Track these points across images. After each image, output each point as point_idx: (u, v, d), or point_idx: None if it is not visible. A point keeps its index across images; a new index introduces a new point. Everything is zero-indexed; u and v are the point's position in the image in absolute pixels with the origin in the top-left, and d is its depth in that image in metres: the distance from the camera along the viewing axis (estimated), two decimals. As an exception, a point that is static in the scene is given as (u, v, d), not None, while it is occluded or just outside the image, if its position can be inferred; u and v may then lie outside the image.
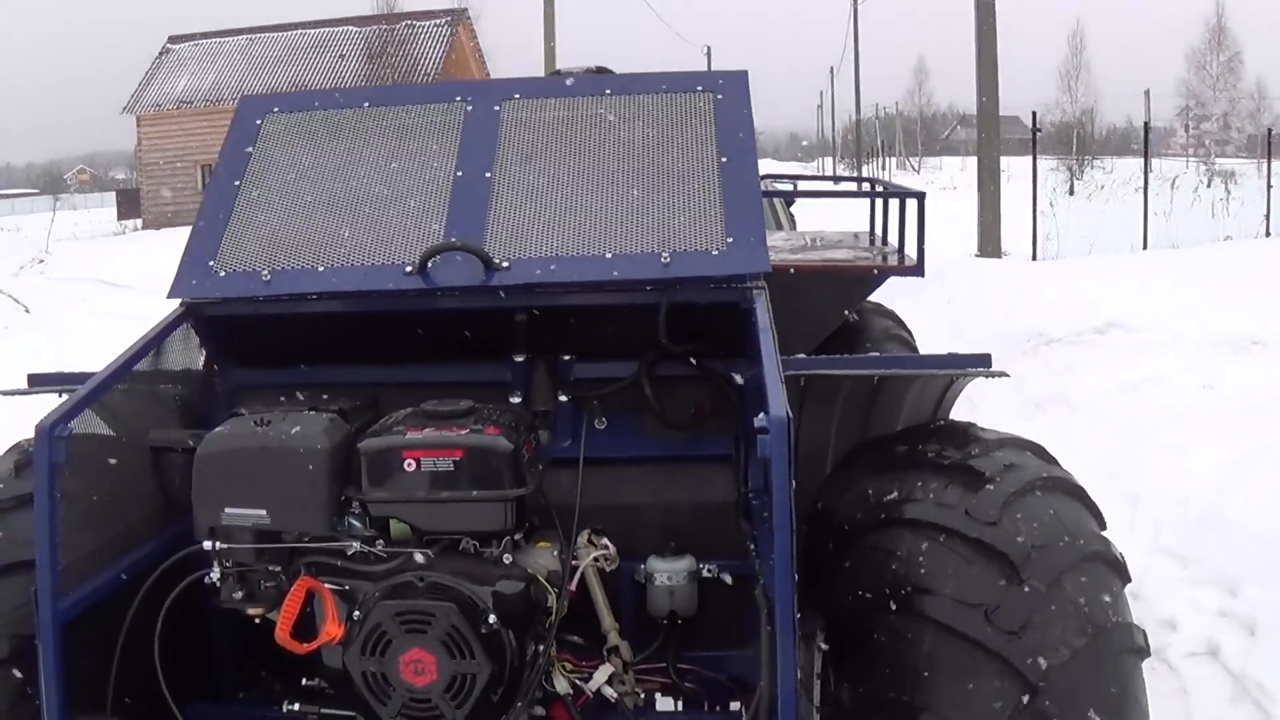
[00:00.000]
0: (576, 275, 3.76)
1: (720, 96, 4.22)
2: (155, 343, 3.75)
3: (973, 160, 26.44)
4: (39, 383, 4.20)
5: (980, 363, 3.82)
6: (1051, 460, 3.66)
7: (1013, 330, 12.81)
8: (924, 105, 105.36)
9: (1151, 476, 7.69)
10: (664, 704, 3.74)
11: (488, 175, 4.03)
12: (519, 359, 3.96)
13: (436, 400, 3.46)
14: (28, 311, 16.99)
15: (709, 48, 73.10)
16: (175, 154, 47.80)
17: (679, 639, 3.81)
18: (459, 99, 4.33)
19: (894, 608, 3.13)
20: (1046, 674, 2.91)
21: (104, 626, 3.32)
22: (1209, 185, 30.99)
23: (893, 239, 8.29)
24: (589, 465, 3.82)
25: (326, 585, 3.30)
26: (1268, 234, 23.17)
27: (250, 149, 4.27)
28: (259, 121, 4.36)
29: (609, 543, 3.71)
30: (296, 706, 3.53)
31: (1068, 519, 3.31)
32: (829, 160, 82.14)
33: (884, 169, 65.05)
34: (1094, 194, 30.39)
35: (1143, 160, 25.95)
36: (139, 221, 47.90)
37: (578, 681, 3.56)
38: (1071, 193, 31.64)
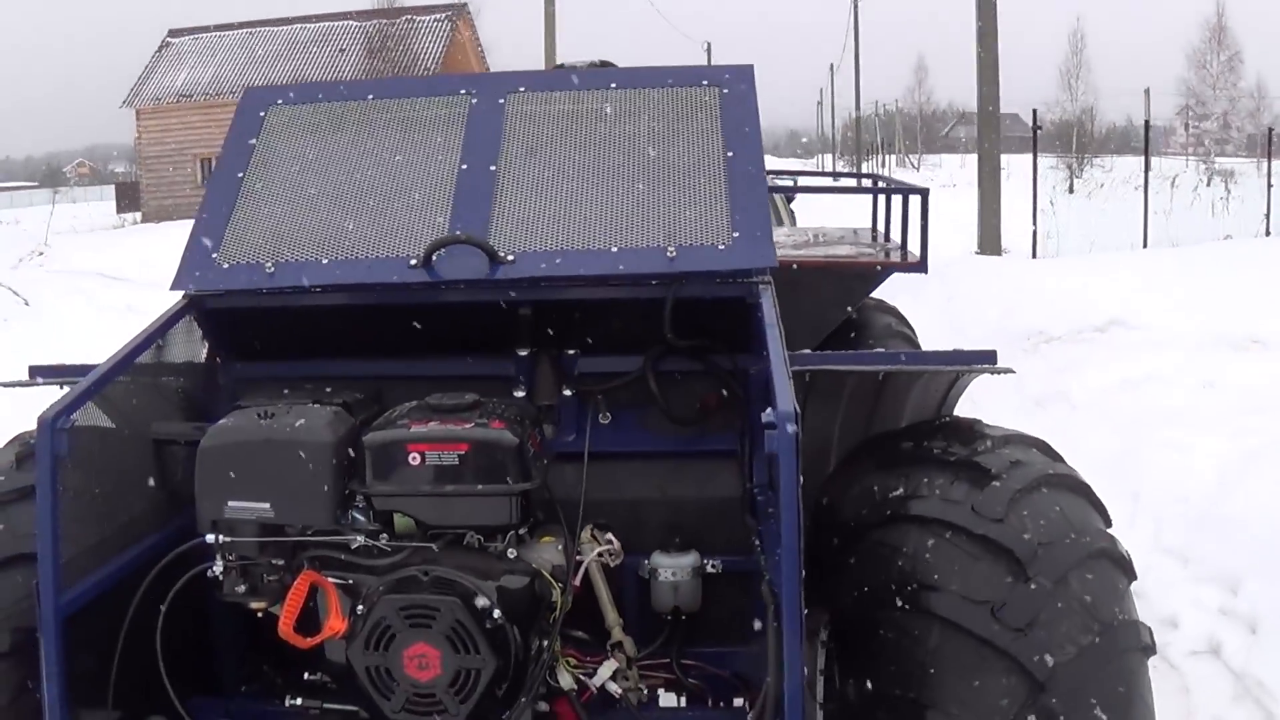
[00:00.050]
0: (582, 269, 3.74)
1: (726, 91, 4.21)
2: (158, 335, 3.74)
3: (972, 158, 26.47)
4: (40, 375, 4.18)
5: (986, 359, 3.81)
6: (1057, 457, 3.64)
7: (1013, 328, 12.81)
8: (924, 103, 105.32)
9: (1152, 474, 7.68)
10: (667, 700, 3.74)
11: (492, 168, 4.02)
12: (523, 353, 3.95)
13: (441, 394, 3.45)
14: (27, 304, 16.94)
15: (709, 44, 72.98)
16: (175, 147, 47.78)
17: (683, 635, 3.80)
18: (463, 92, 4.32)
19: (900, 604, 3.11)
20: (1053, 671, 2.90)
21: (105, 620, 3.31)
22: (1208, 184, 30.96)
23: (894, 235, 8.29)
24: (593, 460, 3.80)
25: (330, 579, 3.29)
26: (1268, 233, 23.16)
27: (254, 141, 4.25)
28: (263, 114, 4.35)
29: (613, 538, 3.70)
30: (299, 701, 3.52)
31: (1074, 516, 3.30)
32: (829, 157, 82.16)
33: (883, 166, 64.97)
34: (1094, 192, 30.38)
35: (1142, 159, 25.94)
36: (138, 215, 47.89)
37: (582, 677, 3.55)
38: (1071, 191, 31.63)
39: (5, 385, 4.19)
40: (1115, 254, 19.87)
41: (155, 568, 3.39)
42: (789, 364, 3.16)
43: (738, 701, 3.75)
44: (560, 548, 3.52)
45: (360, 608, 3.24)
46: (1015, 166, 28.50)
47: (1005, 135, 25.73)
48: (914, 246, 7.60)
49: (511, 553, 3.33)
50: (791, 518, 2.77)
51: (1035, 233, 21.91)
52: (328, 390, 3.65)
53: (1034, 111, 25.08)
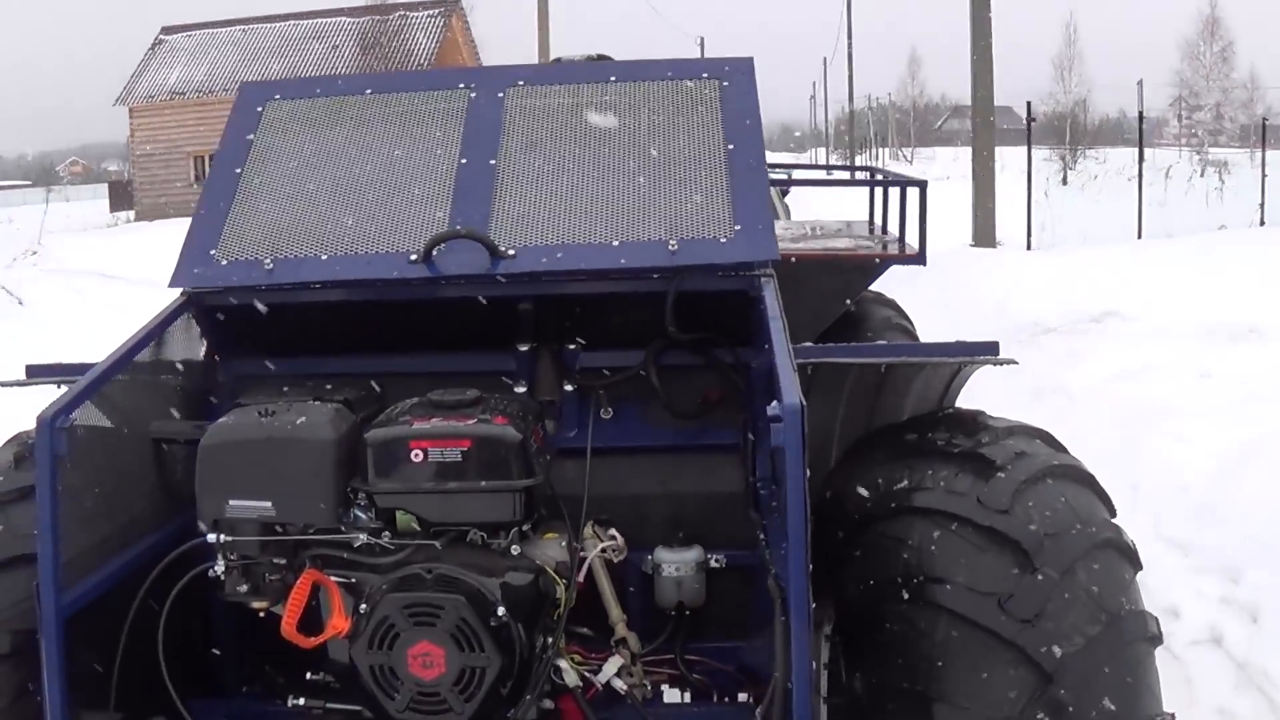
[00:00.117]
0: (583, 263, 3.72)
1: (726, 83, 4.19)
2: (156, 333, 3.71)
3: (965, 150, 26.47)
4: (37, 374, 4.15)
5: (988, 350, 3.79)
6: (1060, 448, 3.64)
7: (1009, 320, 12.81)
8: (917, 96, 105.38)
9: (1151, 465, 7.69)
10: (671, 696, 3.72)
11: (492, 162, 4.00)
12: (524, 348, 3.93)
13: (443, 390, 3.43)
14: (21, 303, 16.91)
15: (702, 38, 73.04)
16: (168, 145, 47.74)
17: (686, 630, 3.79)
18: (462, 86, 4.30)
19: (906, 597, 3.11)
20: (1061, 662, 2.89)
21: (106, 621, 3.29)
22: (1202, 175, 30.98)
23: (891, 228, 8.29)
24: (595, 455, 3.79)
25: (333, 578, 3.27)
26: (1262, 223, 23.20)
27: (251, 136, 4.23)
28: (260, 109, 4.32)
29: (616, 533, 3.68)
30: (302, 701, 3.50)
31: (1079, 506, 3.29)
32: (822, 151, 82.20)
33: (877, 160, 65.00)
34: (1087, 184, 30.37)
35: (1136, 150, 25.95)
36: (131, 213, 47.84)
37: (587, 674, 3.53)
38: (1065, 183, 31.62)
39: (2, 385, 4.17)
40: (1110, 245, 19.87)
41: (156, 568, 3.36)
42: (793, 356, 3.14)
43: (742, 696, 3.74)
44: (564, 544, 3.50)
45: (363, 606, 3.21)
46: (1008, 159, 28.47)
47: (999, 128, 25.70)
48: (910, 239, 7.60)
49: (515, 549, 3.31)
50: (798, 511, 2.75)
51: (1030, 224, 21.92)
52: (328, 387, 3.62)
53: (1028, 104, 25.12)
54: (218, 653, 3.86)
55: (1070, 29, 68.24)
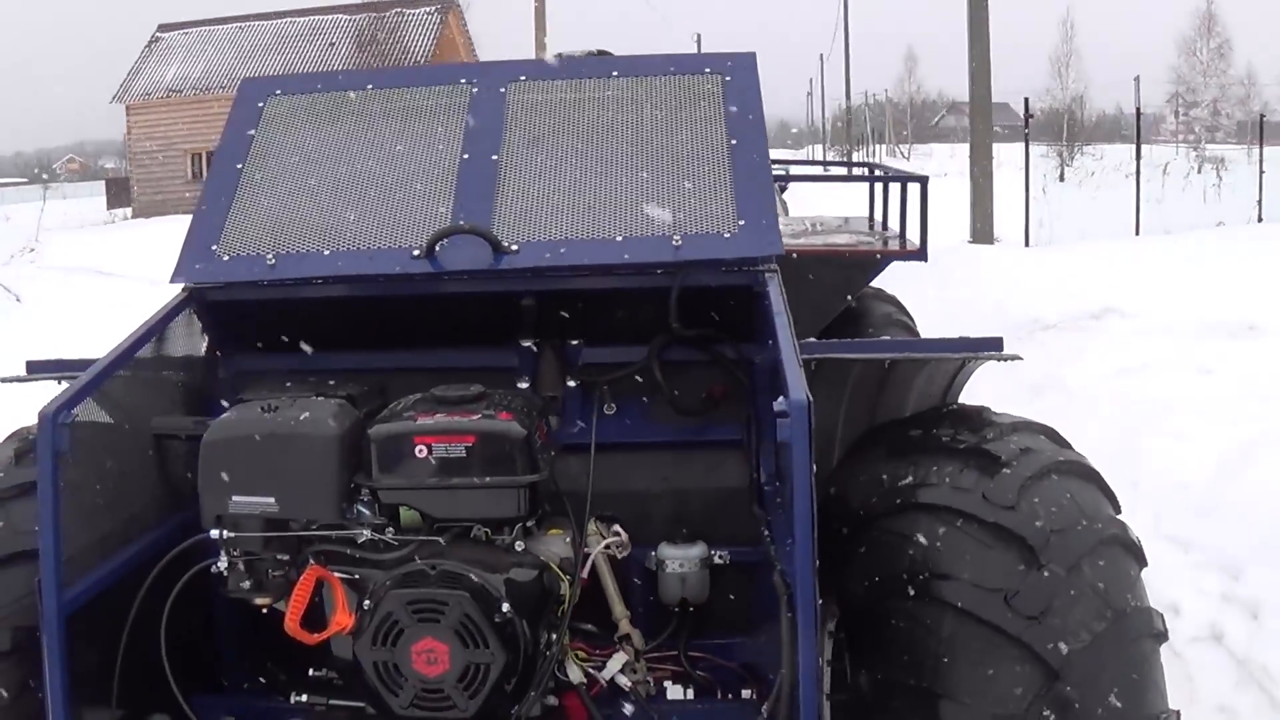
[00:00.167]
0: (587, 258, 3.71)
1: (729, 78, 4.18)
2: (158, 329, 3.70)
3: (962, 147, 26.49)
4: (38, 370, 4.14)
5: (992, 346, 3.79)
6: (1065, 444, 3.62)
7: (1008, 316, 12.79)
8: (914, 93, 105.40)
9: (1151, 461, 7.68)
10: (674, 692, 3.71)
11: (494, 158, 3.99)
12: (526, 344, 3.92)
13: (446, 385, 3.41)
14: (18, 300, 16.90)
15: (699, 35, 73.03)
16: (165, 143, 47.73)
17: (690, 627, 3.78)
18: (464, 81, 4.29)
19: (912, 593, 3.09)
20: (1068, 659, 2.88)
21: (108, 618, 3.28)
22: (1199, 171, 31.00)
23: (890, 224, 8.30)
24: (598, 451, 3.77)
25: (336, 574, 3.25)
26: (1260, 219, 23.21)
27: (252, 131, 4.22)
28: (261, 104, 4.31)
29: (620, 529, 3.67)
30: (304, 698, 3.49)
31: (1084, 503, 3.28)
32: (819, 148, 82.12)
33: (874, 156, 65.00)
34: (1084, 181, 30.40)
35: (1133, 146, 25.95)
36: (128, 210, 47.81)
37: (591, 670, 3.52)
38: (1062, 179, 31.64)
39: (3, 381, 4.15)
40: (1108, 242, 19.90)
41: (158, 565, 3.35)
42: (799, 352, 3.13)
43: (745, 693, 3.73)
44: (568, 540, 3.48)
45: (367, 603, 3.20)
46: (1005, 155, 28.50)
47: (996, 124, 25.72)
48: (911, 235, 7.60)
49: (519, 545, 3.29)
50: (805, 506, 2.75)
51: (1028, 221, 21.92)
52: (330, 383, 3.60)
53: (1025, 100, 25.10)
54: (218, 649, 3.85)
55: (1067, 26, 68.39)
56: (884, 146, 75.79)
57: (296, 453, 3.24)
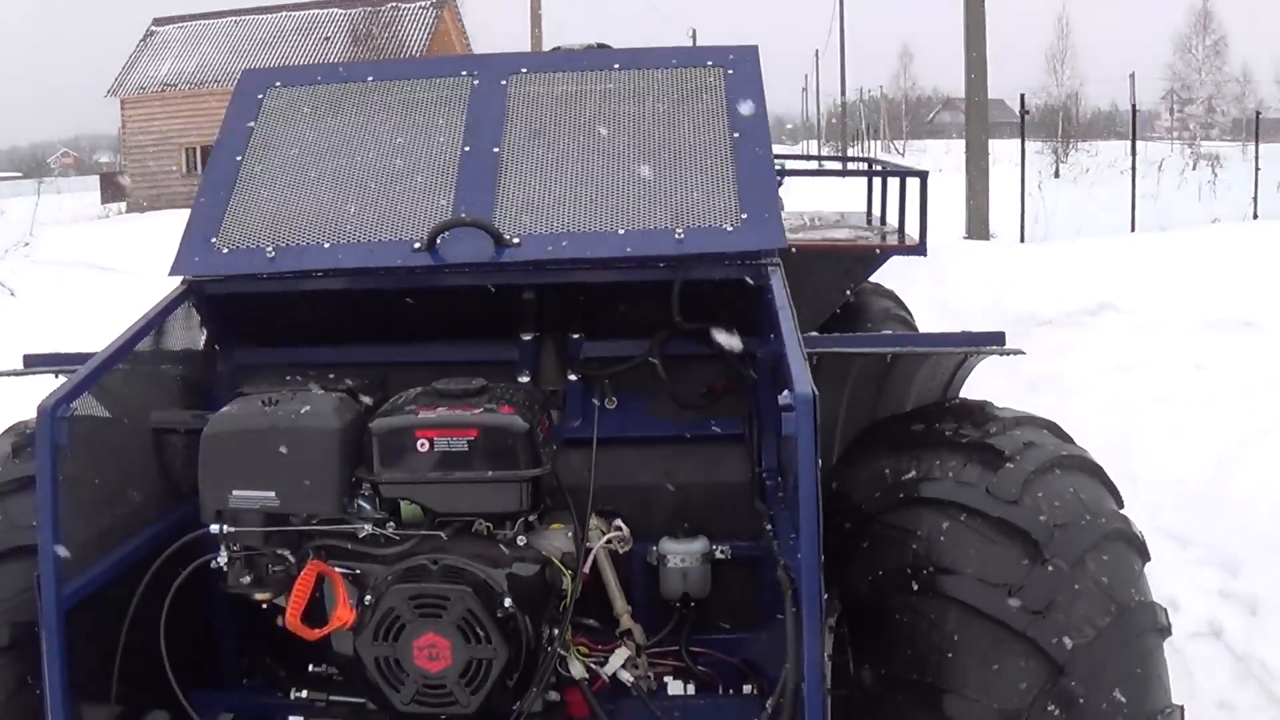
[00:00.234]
0: (589, 251, 3.69)
1: (731, 71, 4.16)
2: (156, 322, 3.67)
3: (956, 143, 26.49)
4: (35, 364, 4.11)
5: (994, 340, 3.78)
6: (1067, 438, 3.62)
7: (1004, 312, 12.79)
8: (909, 88, 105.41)
9: (1148, 457, 7.68)
10: (675, 688, 3.70)
11: (495, 150, 3.97)
12: (527, 338, 3.90)
13: (448, 379, 3.39)
14: (13, 295, 16.86)
15: (694, 30, 72.90)
16: (159, 137, 47.70)
17: (692, 622, 3.76)
18: (465, 73, 4.27)
19: (915, 588, 3.09)
20: (1072, 654, 2.88)
21: (107, 613, 3.25)
22: (1194, 168, 31.03)
23: (887, 219, 8.29)
24: (599, 446, 3.76)
25: (337, 569, 3.23)
26: (1255, 216, 23.23)
27: (252, 124, 4.19)
28: (261, 96, 4.29)
29: (622, 524, 3.65)
30: (304, 694, 3.47)
31: (1088, 497, 3.27)
32: (813, 143, 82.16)
33: (868, 152, 65.02)
34: (1079, 177, 30.43)
35: (1128, 143, 25.99)
36: (123, 205, 47.75)
37: (593, 666, 3.51)
38: (1057, 175, 31.68)
39: (2, 374, 4.13)
40: (1103, 238, 19.89)
41: (158, 560, 3.33)
42: (804, 345, 3.12)
43: (746, 689, 3.72)
44: (569, 535, 3.47)
45: (368, 598, 3.18)
46: (1000, 151, 28.53)
47: (991, 121, 25.72)
48: (909, 230, 7.60)
49: (521, 540, 3.28)
50: (810, 501, 2.74)
51: (1023, 217, 21.93)
52: (331, 376, 3.58)
53: (1021, 96, 25.12)
54: (217, 645, 3.84)
55: (1063, 22, 68.48)
56: (879, 142, 75.82)
57: (297, 446, 3.21)
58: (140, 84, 48.81)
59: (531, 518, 3.33)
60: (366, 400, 3.47)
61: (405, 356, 3.92)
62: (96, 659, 3.23)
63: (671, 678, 3.71)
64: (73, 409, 3.14)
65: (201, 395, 3.87)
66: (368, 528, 3.25)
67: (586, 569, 3.53)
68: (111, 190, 50.74)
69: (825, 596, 2.83)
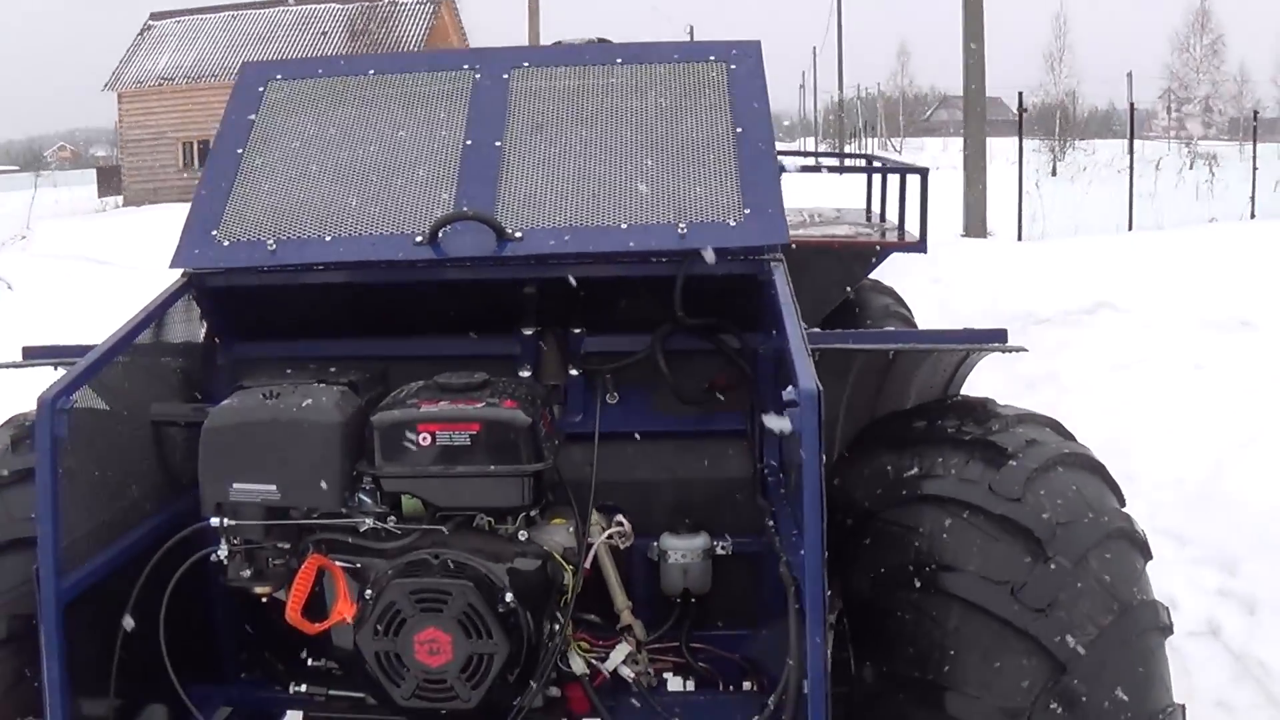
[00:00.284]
0: (592, 246, 3.68)
1: (734, 66, 4.15)
2: (157, 314, 3.65)
3: (953, 141, 26.52)
4: (34, 356, 4.10)
5: (996, 338, 3.77)
6: (1069, 436, 3.61)
7: (1002, 310, 12.79)
8: (906, 86, 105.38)
9: (1146, 456, 7.69)
10: (675, 684, 3.69)
11: (498, 144, 3.95)
12: (528, 332, 3.89)
13: (450, 373, 3.38)
14: (10, 288, 16.85)
15: (691, 27, 72.84)
16: (156, 131, 47.66)
17: (692, 618, 3.75)
18: (466, 67, 4.26)
19: (917, 585, 3.07)
20: (1074, 652, 2.86)
21: (106, 606, 3.23)
22: (1191, 167, 31.07)
23: (886, 216, 8.27)
24: (600, 440, 3.75)
25: (338, 563, 3.22)
26: (1253, 216, 23.25)
27: (253, 116, 4.17)
28: (262, 89, 4.27)
29: (623, 519, 3.64)
30: (303, 688, 3.46)
31: (1090, 495, 3.26)
32: (811, 141, 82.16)
33: (866, 149, 65.01)
34: (1076, 176, 30.45)
35: (1125, 142, 26.04)
36: (119, 199, 47.70)
37: (593, 661, 3.50)
38: (1054, 174, 31.70)
39: (1, 366, 4.11)
40: (1101, 236, 19.90)
41: (157, 553, 3.31)
42: (807, 341, 3.11)
43: (747, 685, 3.71)
44: (571, 530, 3.45)
45: (369, 592, 3.17)
46: (997, 149, 28.56)
47: (988, 119, 25.74)
48: (909, 227, 7.59)
49: (522, 535, 3.27)
50: (814, 497, 2.73)
51: (1021, 215, 21.95)
52: (332, 370, 3.57)
53: (1019, 94, 25.15)
54: (216, 639, 3.82)
55: (1060, 20, 68.48)
56: (876, 140, 75.80)
57: (298, 440, 3.20)
58: (137, 78, 48.74)
59: (533, 513, 3.32)
60: (368, 394, 3.46)
61: (406, 350, 3.91)
62: (95, 652, 3.21)
63: (671, 674, 3.71)
64: (73, 401, 3.13)
65: (201, 388, 3.86)
66: (369, 522, 3.23)
67: (587, 564, 3.51)
68: (108, 184, 50.69)
69: (829, 593, 2.82)
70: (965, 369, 4.16)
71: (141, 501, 3.49)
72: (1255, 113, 29.81)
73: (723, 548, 3.75)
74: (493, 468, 3.20)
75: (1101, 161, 32.08)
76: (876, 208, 9.20)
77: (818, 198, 10.91)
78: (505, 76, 4.18)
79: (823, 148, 67.66)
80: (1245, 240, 17.23)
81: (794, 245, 6.87)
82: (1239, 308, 11.86)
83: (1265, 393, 8.88)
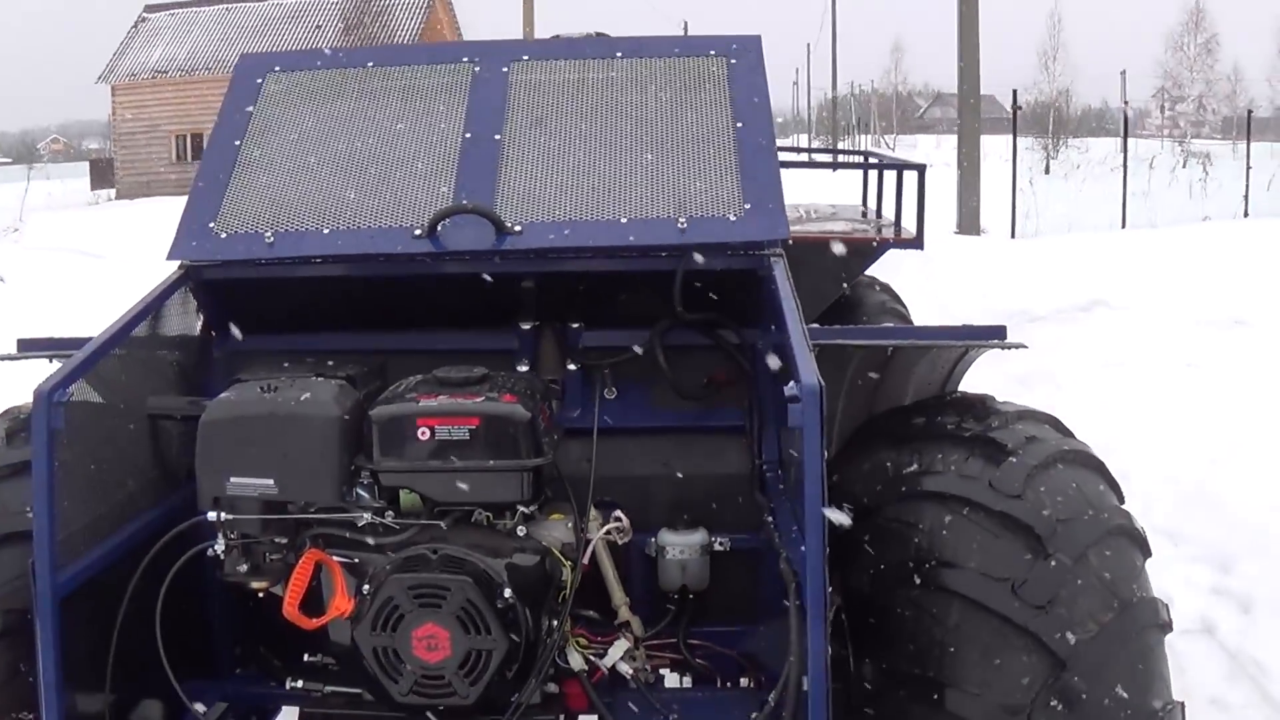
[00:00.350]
0: (591, 240, 3.66)
1: (734, 61, 4.14)
2: (153, 307, 3.63)
3: (947, 138, 26.56)
4: (29, 348, 4.08)
5: (995, 334, 3.76)
6: (1068, 433, 3.61)
7: (996, 308, 12.81)
8: (900, 83, 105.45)
9: (1139, 454, 7.70)
10: (672, 680, 3.68)
11: (497, 138, 3.94)
12: (526, 326, 3.88)
13: (449, 367, 3.36)
14: (2, 281, 16.79)
15: (686, 22, 72.83)
16: (150, 124, 47.60)
17: (690, 614, 3.74)
18: (466, 60, 4.24)
19: (917, 582, 3.06)
20: (1075, 649, 2.86)
21: (101, 601, 3.21)
22: (1185, 166, 31.14)
23: (882, 212, 8.27)
24: (598, 436, 3.73)
25: (335, 558, 3.20)
26: (1246, 215, 23.31)
27: (251, 108, 4.15)
28: (259, 80, 4.25)
29: (622, 515, 3.63)
30: (300, 684, 3.44)
31: (1090, 492, 3.25)
32: (804, 137, 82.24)
33: (859, 147, 65.05)
34: (1070, 173, 30.51)
35: (1119, 140, 26.15)
36: (112, 192, 47.66)
37: (592, 657, 3.48)
38: (1047, 172, 31.77)
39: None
40: (1094, 234, 19.96)
41: (154, 547, 3.29)
42: (808, 337, 3.10)
43: (744, 682, 3.70)
44: (569, 525, 3.42)
45: (367, 587, 3.15)
46: (990, 147, 28.62)
47: (982, 116, 25.79)
48: (905, 223, 7.58)
49: (521, 530, 3.25)
50: (816, 493, 2.72)
51: (1014, 213, 21.98)
52: (329, 363, 3.54)
53: (1014, 93, 25.25)
54: (211, 634, 3.80)
55: (1054, 19, 68.49)
56: (869, 137, 75.87)
57: (296, 434, 3.18)
58: (131, 71, 48.71)
59: (531, 508, 3.30)
60: (365, 387, 3.44)
61: (403, 344, 3.88)
62: (91, 647, 3.19)
63: (669, 670, 3.69)
64: (70, 394, 3.11)
65: (197, 382, 3.84)
66: (366, 516, 3.21)
67: (586, 560, 3.50)
68: (101, 177, 50.62)
69: (830, 590, 2.81)
70: (963, 366, 4.15)
71: (138, 495, 3.47)
72: (1249, 111, 29.82)
73: (721, 544, 3.73)
74: (492, 462, 3.18)
75: (1095, 159, 32.15)
76: (873, 204, 9.20)
77: (812, 194, 10.90)
78: (505, 70, 4.17)
79: (816, 144, 67.75)
80: (1239, 239, 17.30)
81: (790, 241, 6.89)
82: (1233, 306, 11.90)
83: (1259, 390, 8.90)
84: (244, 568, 3.23)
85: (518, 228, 3.67)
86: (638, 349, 3.80)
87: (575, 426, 3.75)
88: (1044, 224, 21.69)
